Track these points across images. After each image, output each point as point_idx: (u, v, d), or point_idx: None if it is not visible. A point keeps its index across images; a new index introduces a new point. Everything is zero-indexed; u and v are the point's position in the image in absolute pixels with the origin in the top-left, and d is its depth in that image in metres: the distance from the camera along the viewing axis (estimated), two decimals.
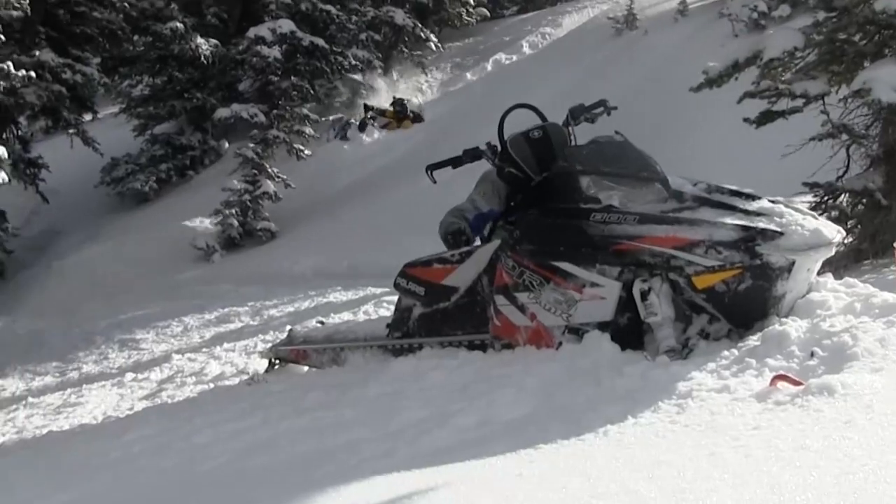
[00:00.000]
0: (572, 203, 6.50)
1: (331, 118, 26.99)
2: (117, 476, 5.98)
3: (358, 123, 26.76)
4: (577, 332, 6.36)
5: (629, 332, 6.23)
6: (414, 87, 29.43)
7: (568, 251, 6.41)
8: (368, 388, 6.49)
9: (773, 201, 6.23)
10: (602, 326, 6.26)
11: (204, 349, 13.00)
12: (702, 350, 5.86)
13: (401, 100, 27.40)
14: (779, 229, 5.89)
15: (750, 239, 5.89)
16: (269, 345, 10.41)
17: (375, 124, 26.72)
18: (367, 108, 27.20)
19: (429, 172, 7.82)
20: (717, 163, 14.72)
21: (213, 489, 5.16)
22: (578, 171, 6.59)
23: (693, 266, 5.97)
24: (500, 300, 6.81)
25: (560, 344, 6.39)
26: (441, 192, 16.03)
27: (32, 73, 20.30)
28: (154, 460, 6.09)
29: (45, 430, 9.79)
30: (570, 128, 7.42)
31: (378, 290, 14.33)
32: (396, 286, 7.95)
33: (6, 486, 6.62)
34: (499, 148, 7.42)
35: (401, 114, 26.80)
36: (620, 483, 3.90)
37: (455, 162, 7.74)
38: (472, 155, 7.65)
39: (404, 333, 7.87)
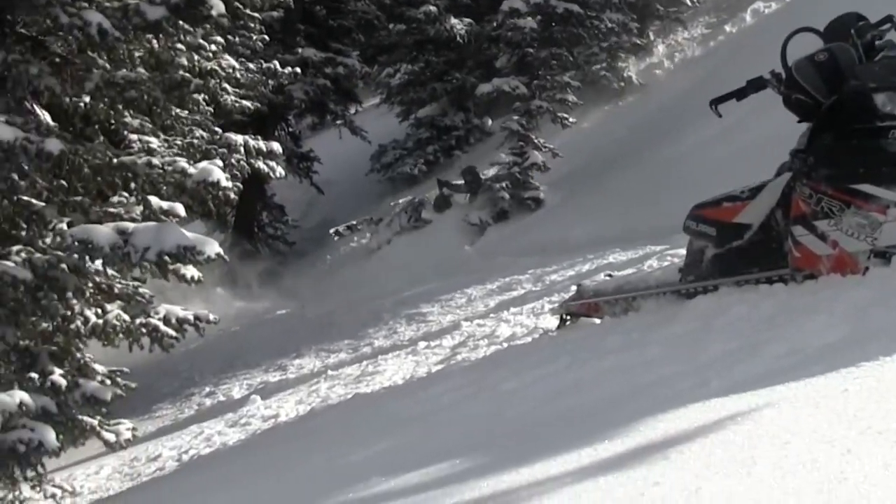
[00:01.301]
0: (868, 123, 6.24)
1: (400, 201, 25.43)
2: (428, 426, 6.11)
3: (433, 202, 24.54)
4: (883, 255, 6.09)
5: None
6: (671, 45, 28.89)
7: (868, 172, 6.15)
8: (671, 327, 6.40)
9: None
10: None
11: (491, 315, 13.20)
12: None
13: (472, 168, 24.97)
14: None
15: None
16: (558, 303, 10.44)
17: (454, 200, 24.29)
18: (440, 183, 24.96)
19: (713, 107, 7.63)
20: None
21: (524, 431, 5.19)
22: (872, 89, 6.31)
23: None
24: (798, 231, 6.60)
25: (866, 269, 6.15)
26: (712, 145, 15.68)
27: (298, 69, 21.02)
28: (462, 410, 6.18)
29: (349, 396, 10.12)
30: (856, 47, 7.12)
31: (658, 248, 14.18)
32: (686, 229, 7.83)
33: (324, 442, 6.88)
34: (783, 76, 7.19)
35: (473, 185, 24.15)
36: None
37: (739, 94, 7.53)
38: (756, 85, 7.42)
39: (698, 276, 7.74)
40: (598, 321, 8.77)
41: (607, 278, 9.81)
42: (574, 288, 10.08)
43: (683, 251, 8.27)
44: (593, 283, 9.66)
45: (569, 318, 9.21)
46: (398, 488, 4.57)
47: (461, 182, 24.60)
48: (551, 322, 10.07)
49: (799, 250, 6.62)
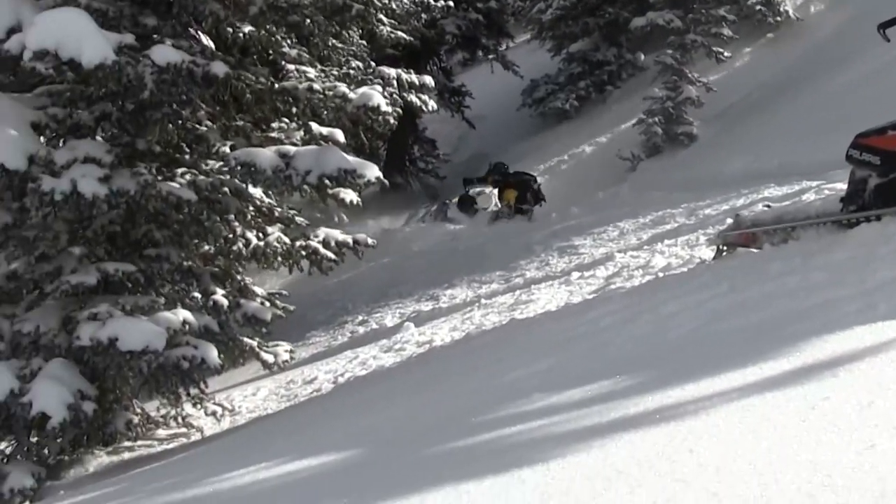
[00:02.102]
0: None
1: (422, 208, 24.20)
2: (588, 346, 6.16)
3: (457, 202, 22.89)
4: None
5: None
6: None
7: None
8: (833, 254, 6.31)
9: None
10: None
11: (645, 247, 13.16)
12: None
13: (500, 164, 23.48)
14: None
15: None
16: (714, 233, 10.37)
17: (478, 202, 22.54)
18: (466, 181, 23.54)
19: (881, 31, 7.45)
20: None
21: (687, 351, 5.21)
22: None
23: None
24: None
25: None
26: (869, 81, 15.23)
27: (451, 3, 21.04)
28: (622, 331, 6.22)
29: (504, 322, 10.23)
30: None
31: (814, 183, 13.92)
32: (849, 158, 7.68)
33: (482, 361, 7.01)
34: None
35: (500, 182, 22.73)
36: None
37: None
38: None
39: (860, 206, 7.60)
40: (755, 251, 8.70)
41: (765, 209, 9.70)
42: (730, 219, 10.00)
43: (841, 185, 8.12)
44: (751, 213, 9.54)
45: (725, 248, 9.15)
46: (560, 403, 4.62)
47: (486, 180, 23.27)
48: (707, 253, 10.01)
49: None
